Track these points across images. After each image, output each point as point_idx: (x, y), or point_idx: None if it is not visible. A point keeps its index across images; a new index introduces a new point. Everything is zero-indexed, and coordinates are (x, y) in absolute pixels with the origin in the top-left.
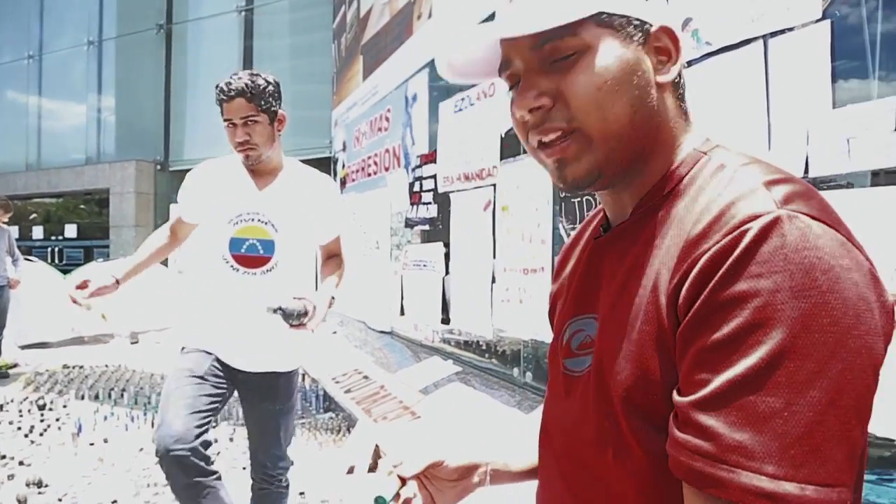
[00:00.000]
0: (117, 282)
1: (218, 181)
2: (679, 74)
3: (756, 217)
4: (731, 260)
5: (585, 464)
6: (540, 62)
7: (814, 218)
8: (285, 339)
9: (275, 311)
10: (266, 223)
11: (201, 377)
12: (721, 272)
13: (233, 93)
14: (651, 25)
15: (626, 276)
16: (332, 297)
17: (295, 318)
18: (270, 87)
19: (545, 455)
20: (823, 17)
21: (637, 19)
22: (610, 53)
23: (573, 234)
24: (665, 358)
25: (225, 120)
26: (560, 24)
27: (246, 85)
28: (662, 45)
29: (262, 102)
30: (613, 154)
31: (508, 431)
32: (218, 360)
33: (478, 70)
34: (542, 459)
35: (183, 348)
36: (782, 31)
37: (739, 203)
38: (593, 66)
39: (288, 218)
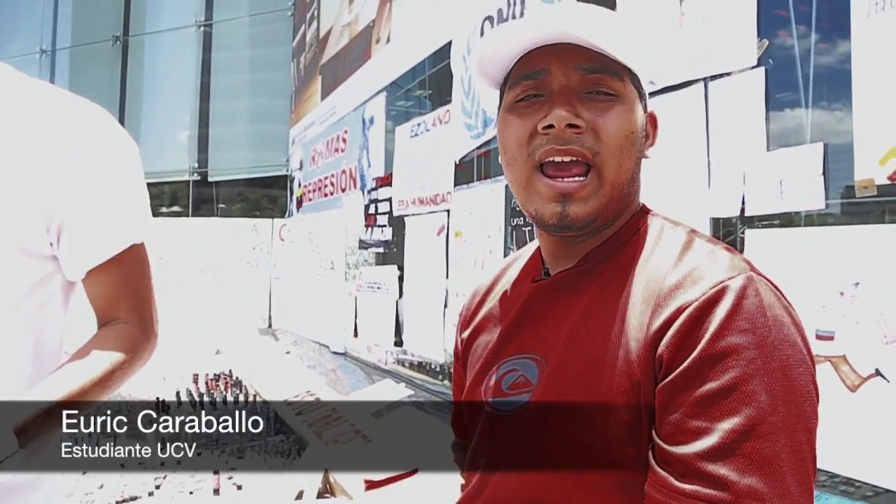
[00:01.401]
0: None
1: None
2: None
3: (731, 277)
4: (720, 314)
5: (518, 498)
6: (578, 86)
7: (770, 282)
8: None
9: None
10: None
11: None
12: (714, 326)
13: None
14: (647, 109)
15: (579, 320)
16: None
17: None
18: None
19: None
20: (758, 65)
21: (645, 98)
22: (637, 112)
23: (484, 283)
24: (632, 399)
25: None
26: (630, 65)
27: None
28: (647, 127)
29: None
30: (611, 203)
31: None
32: None
33: (493, 71)
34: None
35: None
36: (721, 76)
37: (710, 262)
38: (626, 116)
39: None
